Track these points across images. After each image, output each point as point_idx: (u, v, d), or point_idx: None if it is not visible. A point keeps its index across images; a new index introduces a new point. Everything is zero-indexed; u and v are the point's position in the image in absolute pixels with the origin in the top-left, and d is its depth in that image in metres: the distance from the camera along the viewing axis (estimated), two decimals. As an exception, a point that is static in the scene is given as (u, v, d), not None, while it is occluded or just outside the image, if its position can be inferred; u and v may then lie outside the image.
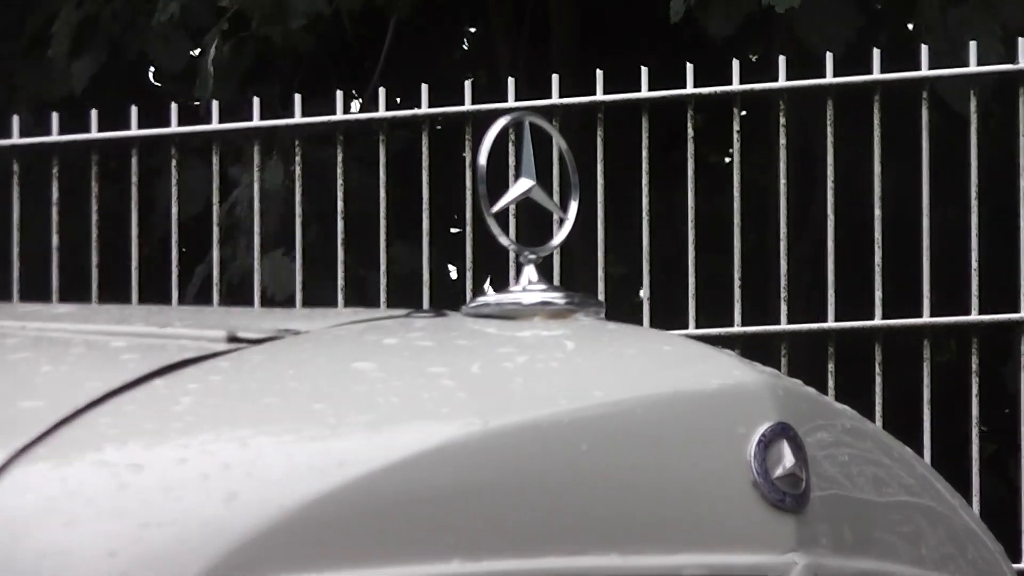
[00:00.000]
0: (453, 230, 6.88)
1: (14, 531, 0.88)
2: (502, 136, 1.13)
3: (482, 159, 1.05)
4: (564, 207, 1.14)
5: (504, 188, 1.13)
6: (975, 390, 4.83)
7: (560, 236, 1.10)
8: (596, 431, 0.93)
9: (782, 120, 5.03)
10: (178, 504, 0.85)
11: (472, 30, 8.03)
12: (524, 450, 0.89)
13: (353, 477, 0.86)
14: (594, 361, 1.02)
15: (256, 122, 5.29)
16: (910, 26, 6.93)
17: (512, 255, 1.14)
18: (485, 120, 4.93)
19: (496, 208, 1.07)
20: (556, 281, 1.25)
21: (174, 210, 5.31)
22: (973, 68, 4.96)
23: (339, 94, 5.30)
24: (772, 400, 1.01)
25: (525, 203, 1.17)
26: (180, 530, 0.85)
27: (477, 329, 1.04)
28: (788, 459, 0.98)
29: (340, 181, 5.12)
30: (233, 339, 1.02)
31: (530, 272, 1.04)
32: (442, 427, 0.90)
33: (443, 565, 0.84)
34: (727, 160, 6.66)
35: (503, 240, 1.08)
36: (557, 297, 1.05)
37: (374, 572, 0.85)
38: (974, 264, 4.84)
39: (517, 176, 1.09)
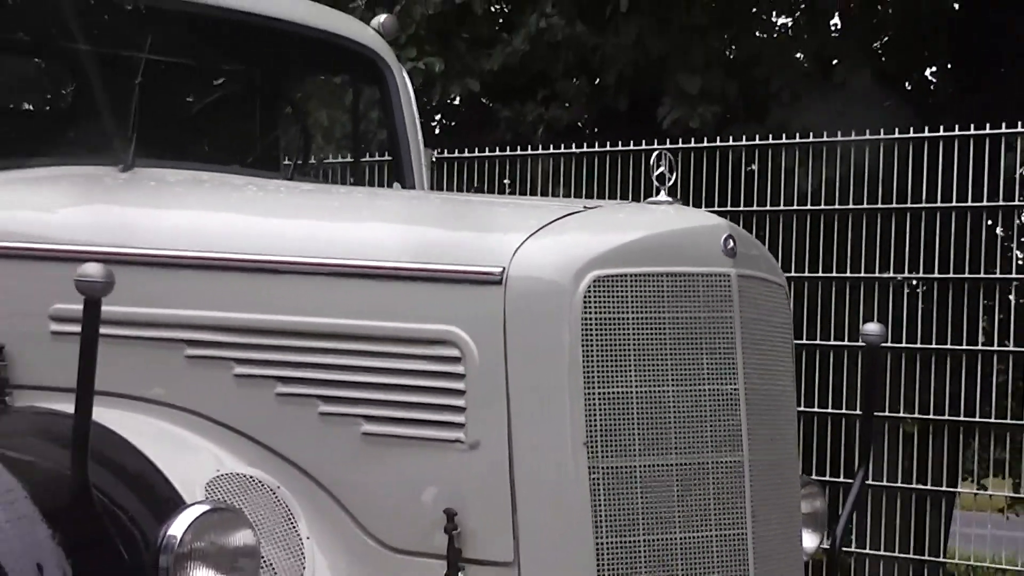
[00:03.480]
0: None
1: (532, 265, 2.66)
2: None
3: (653, 160, 3.03)
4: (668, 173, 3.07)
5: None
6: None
7: (668, 183, 3.05)
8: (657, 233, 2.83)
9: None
10: (580, 244, 2.67)
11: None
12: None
13: (626, 240, 2.72)
14: (671, 213, 2.87)
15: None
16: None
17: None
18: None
19: (655, 175, 3.04)
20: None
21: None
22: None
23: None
24: (728, 228, 2.81)
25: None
26: (581, 252, 2.65)
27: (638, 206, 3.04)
28: (731, 244, 2.78)
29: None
30: (585, 207, 2.83)
31: (663, 194, 3.00)
32: (632, 229, 2.80)
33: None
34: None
35: (657, 183, 3.06)
36: (667, 199, 2.93)
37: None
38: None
39: (658, 166, 3.03)
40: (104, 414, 2.74)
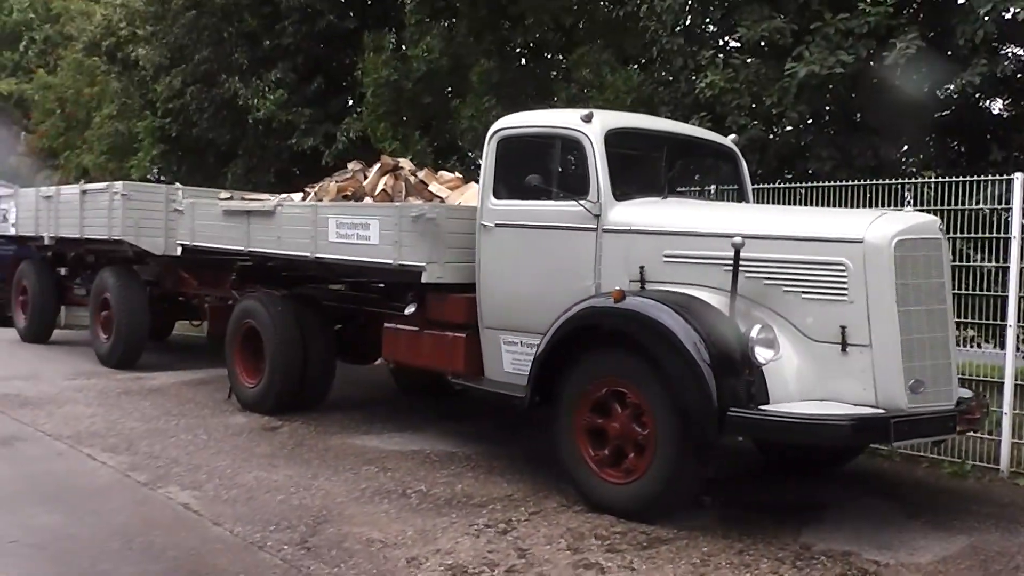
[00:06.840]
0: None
1: (872, 234, 6.43)
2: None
3: (906, 197, 7.23)
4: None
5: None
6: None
7: (910, 204, 7.28)
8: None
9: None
10: (890, 225, 6.49)
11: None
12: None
13: (908, 224, 6.55)
14: (917, 214, 6.90)
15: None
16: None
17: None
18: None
19: (907, 202, 7.16)
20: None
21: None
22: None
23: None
24: (937, 220, 6.76)
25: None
26: (891, 228, 6.47)
27: (905, 212, 7.19)
28: (941, 225, 6.77)
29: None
30: (885, 211, 6.78)
31: (909, 207, 7.22)
32: (909, 220, 6.64)
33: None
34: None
35: (907, 203, 7.24)
36: (912, 208, 7.14)
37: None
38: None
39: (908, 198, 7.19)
40: (692, 291, 6.76)
